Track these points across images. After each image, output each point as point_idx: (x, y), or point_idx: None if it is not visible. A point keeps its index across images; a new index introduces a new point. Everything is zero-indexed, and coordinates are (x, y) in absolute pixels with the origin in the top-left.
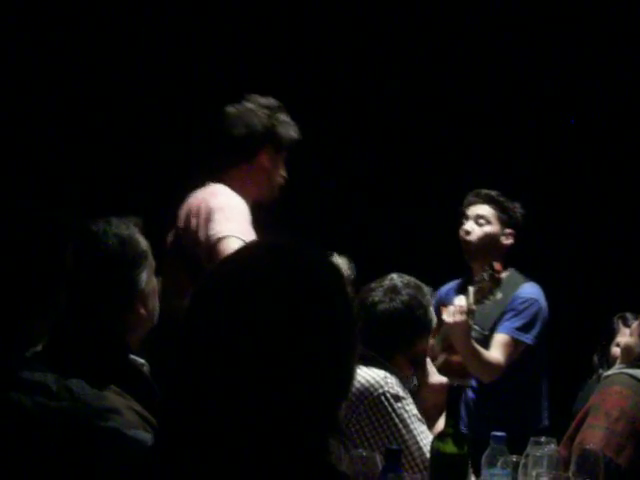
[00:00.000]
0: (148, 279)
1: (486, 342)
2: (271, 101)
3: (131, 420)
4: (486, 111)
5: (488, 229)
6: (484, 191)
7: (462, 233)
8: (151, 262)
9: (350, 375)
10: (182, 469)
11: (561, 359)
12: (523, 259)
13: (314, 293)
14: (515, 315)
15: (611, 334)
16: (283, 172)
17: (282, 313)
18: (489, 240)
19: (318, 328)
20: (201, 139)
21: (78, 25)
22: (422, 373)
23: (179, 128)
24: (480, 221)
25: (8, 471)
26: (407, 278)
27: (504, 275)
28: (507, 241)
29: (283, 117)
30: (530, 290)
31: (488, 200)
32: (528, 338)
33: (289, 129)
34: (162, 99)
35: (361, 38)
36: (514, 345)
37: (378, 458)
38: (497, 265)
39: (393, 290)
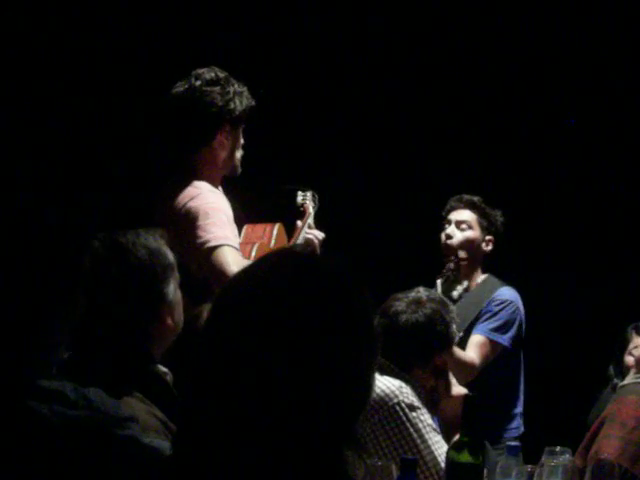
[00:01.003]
0: (175, 290)
1: (461, 344)
2: (217, 73)
3: (151, 425)
4: (478, 112)
5: (469, 234)
6: (466, 196)
7: (443, 237)
8: (177, 274)
9: (369, 386)
10: (199, 477)
11: (576, 369)
12: (537, 269)
13: (334, 303)
14: (491, 317)
15: (624, 344)
16: (242, 141)
17: (302, 322)
18: (470, 245)
19: (338, 338)
20: (157, 129)
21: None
22: (444, 385)
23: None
24: (462, 226)
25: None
26: (434, 292)
27: (480, 279)
28: (487, 247)
29: (234, 88)
30: (506, 293)
31: (470, 206)
32: (504, 339)
33: (242, 100)
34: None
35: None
36: (490, 346)
37: (394, 468)
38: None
39: (417, 302)
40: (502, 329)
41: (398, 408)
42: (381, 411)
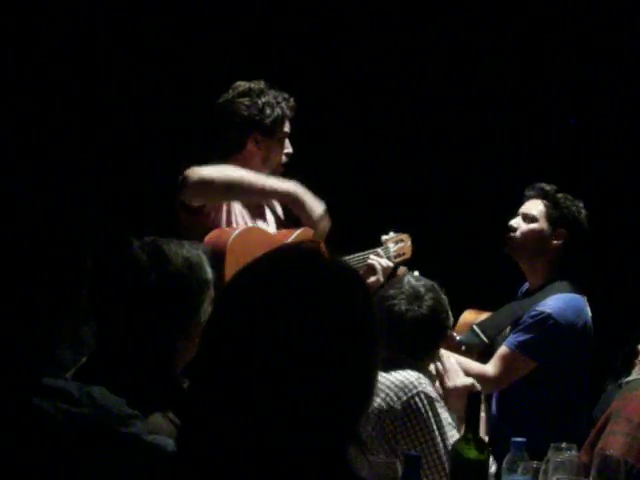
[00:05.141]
0: (207, 308)
1: (486, 351)
2: (252, 85)
3: (160, 423)
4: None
5: (533, 226)
6: (539, 185)
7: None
8: (212, 293)
9: (372, 384)
10: (202, 475)
11: None
12: None
13: (335, 299)
14: (522, 328)
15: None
16: (286, 149)
17: (302, 318)
18: (533, 238)
19: (339, 335)
20: (196, 138)
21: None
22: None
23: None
24: (527, 217)
25: (29, 477)
26: (423, 280)
27: (545, 282)
28: (556, 241)
29: (265, 99)
30: (551, 304)
31: (540, 195)
32: (531, 354)
33: (275, 110)
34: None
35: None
36: (513, 360)
37: (398, 465)
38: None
39: (417, 296)
40: (530, 343)
41: (418, 399)
42: (399, 402)
